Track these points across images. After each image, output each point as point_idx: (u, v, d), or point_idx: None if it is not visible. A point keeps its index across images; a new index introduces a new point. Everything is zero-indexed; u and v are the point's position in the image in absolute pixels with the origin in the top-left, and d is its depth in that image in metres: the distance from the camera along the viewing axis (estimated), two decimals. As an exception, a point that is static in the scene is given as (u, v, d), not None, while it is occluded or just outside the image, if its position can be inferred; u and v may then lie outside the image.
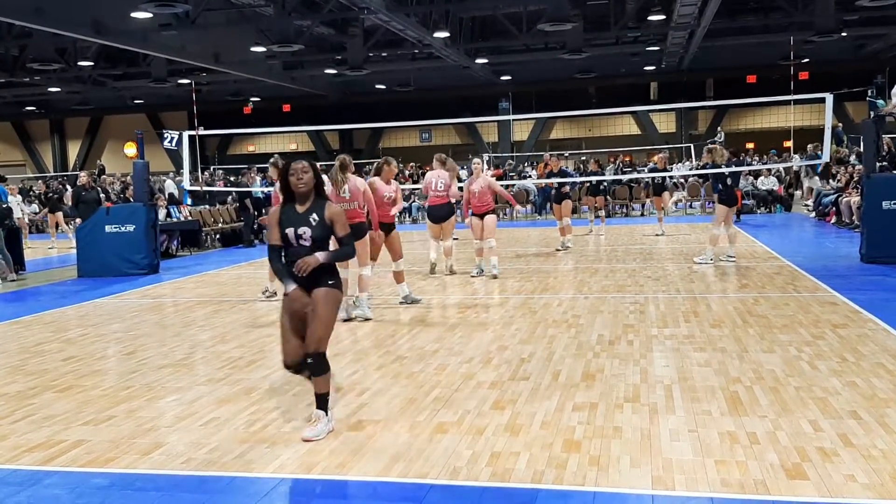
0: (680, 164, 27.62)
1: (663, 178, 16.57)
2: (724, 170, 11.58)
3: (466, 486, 3.86)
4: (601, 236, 16.26)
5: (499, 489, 3.81)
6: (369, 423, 4.85)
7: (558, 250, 13.79)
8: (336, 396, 5.45)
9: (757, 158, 26.44)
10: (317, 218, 4.59)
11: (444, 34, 22.57)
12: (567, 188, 14.25)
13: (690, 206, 23.37)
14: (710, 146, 12.50)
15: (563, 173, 14.65)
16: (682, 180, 23.26)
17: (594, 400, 5.12)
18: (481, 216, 10.99)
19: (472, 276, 10.96)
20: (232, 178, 27.69)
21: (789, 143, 25.90)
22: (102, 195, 16.79)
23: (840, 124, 26.90)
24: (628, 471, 3.95)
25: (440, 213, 10.95)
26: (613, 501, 3.64)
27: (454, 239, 11.96)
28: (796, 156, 23.34)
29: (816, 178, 21.76)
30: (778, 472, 3.85)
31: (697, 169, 20.88)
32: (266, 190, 19.37)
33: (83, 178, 15.02)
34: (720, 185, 11.48)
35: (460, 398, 5.27)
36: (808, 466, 3.91)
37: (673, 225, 15.86)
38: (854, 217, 15.19)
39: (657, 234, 15.84)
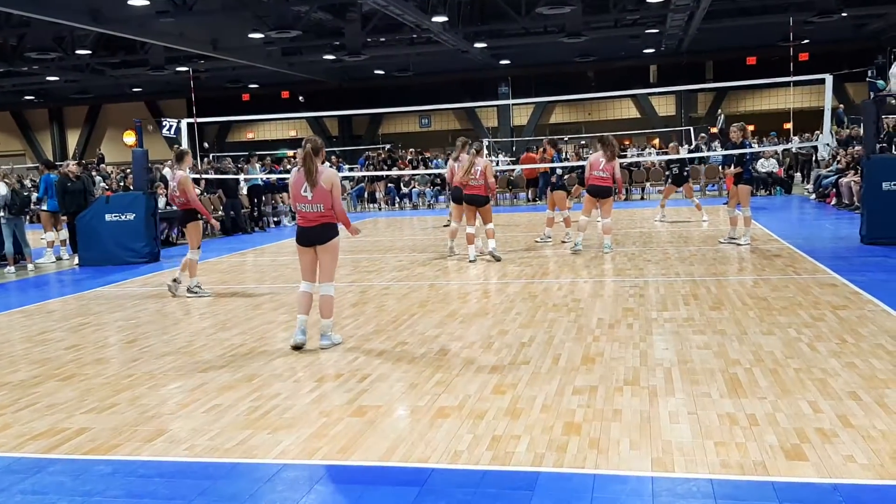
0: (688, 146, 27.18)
1: (680, 166, 15.67)
2: (755, 149, 11.39)
3: (467, 470, 3.88)
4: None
5: (499, 472, 3.84)
6: (371, 408, 4.87)
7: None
8: (338, 382, 5.48)
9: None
10: None
11: (442, 18, 22.47)
12: (554, 177, 13.20)
13: (712, 188, 22.58)
14: (739, 125, 11.88)
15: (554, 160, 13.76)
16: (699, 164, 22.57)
17: (594, 383, 5.14)
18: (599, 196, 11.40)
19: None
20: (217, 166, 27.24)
21: (789, 125, 25.86)
22: (104, 185, 16.73)
23: (841, 105, 26.79)
24: (628, 453, 3.98)
25: (479, 200, 10.99)
26: (613, 483, 3.66)
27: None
28: (795, 138, 23.22)
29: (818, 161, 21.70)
30: (777, 454, 3.87)
31: (726, 149, 20.15)
32: (265, 177, 19.40)
33: (71, 167, 14.49)
34: (749, 166, 11.45)
35: (461, 383, 5.29)
36: (807, 447, 3.93)
37: (673, 208, 15.76)
38: (854, 198, 15.18)
39: (703, 221, 14.86)
